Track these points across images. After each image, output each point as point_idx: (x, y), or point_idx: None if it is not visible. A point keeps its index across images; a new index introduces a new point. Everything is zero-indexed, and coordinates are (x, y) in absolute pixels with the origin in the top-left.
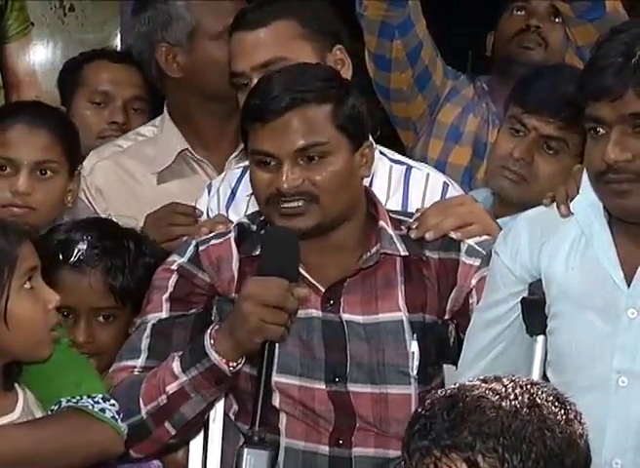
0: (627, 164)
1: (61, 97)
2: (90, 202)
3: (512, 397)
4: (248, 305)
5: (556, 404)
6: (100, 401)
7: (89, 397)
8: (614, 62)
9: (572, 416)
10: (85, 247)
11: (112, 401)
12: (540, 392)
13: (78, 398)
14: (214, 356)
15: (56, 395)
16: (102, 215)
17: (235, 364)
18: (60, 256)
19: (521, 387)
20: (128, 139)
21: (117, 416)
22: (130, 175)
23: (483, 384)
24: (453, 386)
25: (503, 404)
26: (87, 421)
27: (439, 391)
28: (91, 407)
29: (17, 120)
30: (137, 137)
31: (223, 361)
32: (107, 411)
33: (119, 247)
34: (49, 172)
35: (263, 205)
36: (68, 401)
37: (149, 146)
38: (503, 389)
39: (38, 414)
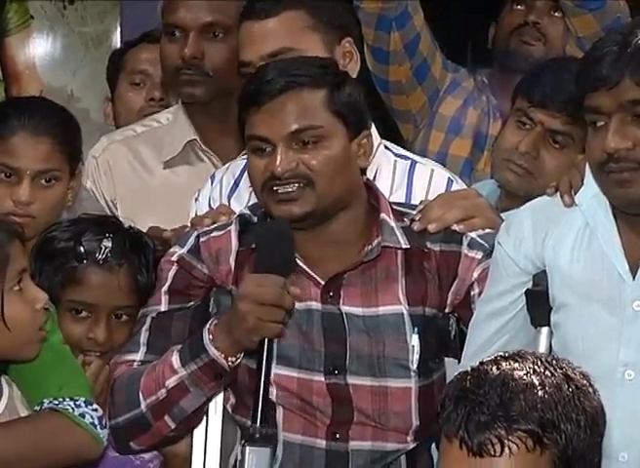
0: (628, 152)
1: (110, 88)
2: (98, 185)
3: (549, 374)
4: (245, 304)
5: (581, 375)
6: (82, 404)
7: (71, 399)
8: (610, 51)
9: (592, 384)
10: (110, 244)
11: (95, 405)
12: (565, 365)
13: (60, 399)
14: (212, 351)
15: (38, 397)
16: (109, 203)
17: (234, 359)
18: (83, 253)
19: (549, 363)
20: (143, 125)
21: (98, 422)
22: (139, 159)
23: (515, 363)
24: (486, 366)
25: (546, 380)
26: (64, 425)
27: (468, 372)
28: (71, 410)
29: (20, 125)
30: (152, 124)
31: (222, 356)
32: (87, 416)
33: (141, 244)
34: (51, 179)
35: (259, 192)
36: (50, 402)
37: (162, 133)
38: (537, 368)
39: (22, 411)
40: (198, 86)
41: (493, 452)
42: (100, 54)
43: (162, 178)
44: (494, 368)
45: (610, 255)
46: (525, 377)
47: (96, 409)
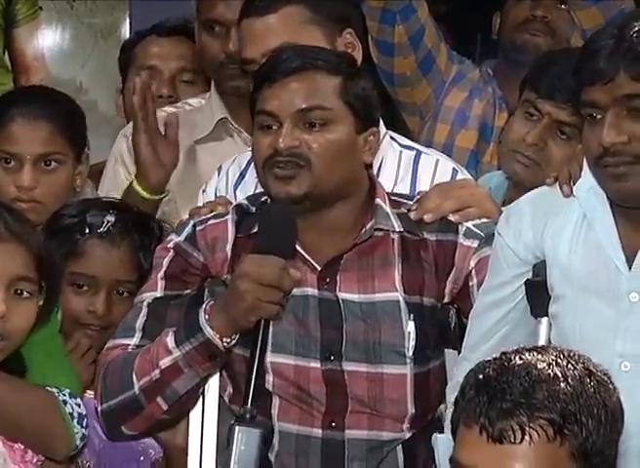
0: (624, 146)
1: (122, 79)
2: (124, 162)
3: (572, 367)
4: (243, 283)
5: (603, 371)
6: (67, 394)
7: (56, 388)
8: (605, 45)
9: (612, 382)
10: (113, 219)
11: (78, 400)
12: (586, 361)
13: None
14: (208, 331)
15: None
16: None
17: (229, 340)
18: (87, 228)
19: (571, 357)
20: (175, 107)
21: (77, 415)
22: None
23: (538, 355)
24: (509, 355)
25: (569, 373)
26: (49, 404)
27: (491, 361)
28: (56, 394)
29: (18, 112)
30: (184, 106)
31: (217, 336)
32: (68, 405)
33: (146, 226)
34: (53, 163)
35: (261, 170)
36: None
37: (194, 114)
38: (560, 360)
39: None
40: (243, 78)
41: (513, 439)
42: (109, 45)
43: (191, 156)
44: (517, 357)
45: (607, 247)
46: (548, 368)
47: (79, 405)
